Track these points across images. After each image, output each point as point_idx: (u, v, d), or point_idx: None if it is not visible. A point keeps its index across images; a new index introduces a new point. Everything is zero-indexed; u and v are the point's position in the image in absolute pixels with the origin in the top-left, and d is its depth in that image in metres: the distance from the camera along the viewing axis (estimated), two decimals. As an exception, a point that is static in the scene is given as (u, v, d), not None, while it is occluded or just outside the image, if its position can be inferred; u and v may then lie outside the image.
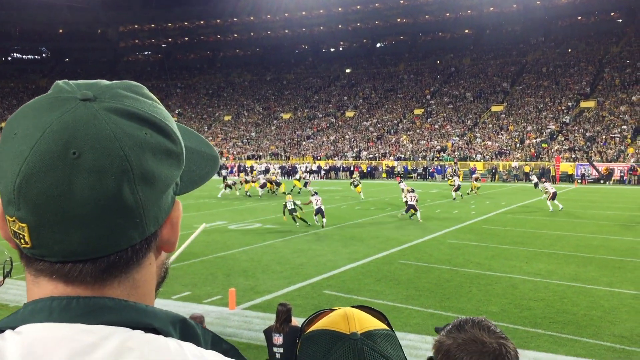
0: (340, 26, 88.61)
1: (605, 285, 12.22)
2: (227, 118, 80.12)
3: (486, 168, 50.76)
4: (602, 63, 65.74)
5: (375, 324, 1.02)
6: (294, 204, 21.44)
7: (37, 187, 0.70)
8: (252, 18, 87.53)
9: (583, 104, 58.11)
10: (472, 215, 24.31)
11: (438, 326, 5.14)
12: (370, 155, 60.08)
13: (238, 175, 43.30)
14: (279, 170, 51.43)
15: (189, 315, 6.94)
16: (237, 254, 16.10)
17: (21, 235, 0.73)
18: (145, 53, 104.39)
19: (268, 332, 6.48)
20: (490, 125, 60.10)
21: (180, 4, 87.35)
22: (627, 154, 47.68)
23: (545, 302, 10.95)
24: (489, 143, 56.31)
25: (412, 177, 52.69)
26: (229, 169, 59.52)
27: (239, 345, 8.89)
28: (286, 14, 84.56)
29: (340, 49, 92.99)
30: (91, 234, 0.72)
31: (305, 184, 38.86)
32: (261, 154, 67.31)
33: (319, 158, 62.07)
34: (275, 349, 6.33)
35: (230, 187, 35.00)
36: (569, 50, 70.72)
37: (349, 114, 72.42)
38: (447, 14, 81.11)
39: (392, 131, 65.32)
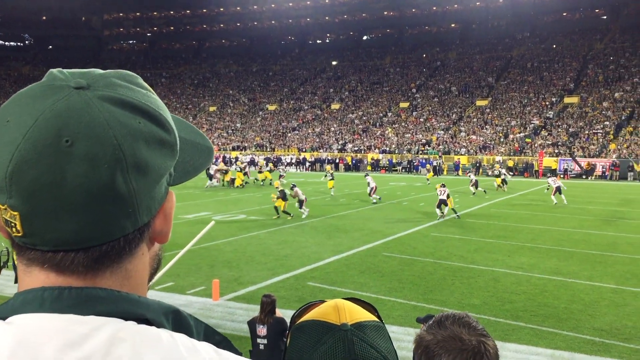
0: (327, 18, 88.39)
1: (586, 279, 12.38)
2: (212, 108, 79.69)
3: (470, 162, 51.08)
4: (586, 59, 66.31)
5: (365, 315, 1.02)
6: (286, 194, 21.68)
7: (29, 175, 0.69)
8: (238, 8, 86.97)
9: (567, 100, 58.62)
10: (456, 209, 24.44)
11: (420, 316, 5.17)
12: (356, 148, 60.16)
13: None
14: (264, 162, 51.20)
15: None
16: (221, 245, 16.07)
17: (13, 224, 0.72)
18: (130, 42, 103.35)
19: (252, 323, 6.48)
20: (475, 120, 60.43)
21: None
22: (609, 150, 48.24)
23: (527, 296, 11.07)
24: (474, 137, 56.62)
25: (396, 170, 52.88)
26: (214, 160, 59.28)
27: (223, 336, 8.88)
28: (273, 5, 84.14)
29: (327, 41, 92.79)
30: (83, 223, 0.71)
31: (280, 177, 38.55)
32: (246, 145, 67.10)
33: (304, 150, 62.02)
34: (259, 340, 6.34)
35: (211, 176, 34.96)
36: (554, 46, 71.21)
37: (335, 106, 72.38)
38: (434, 8, 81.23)
39: (377, 124, 65.43)
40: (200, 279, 12.17)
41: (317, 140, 64.36)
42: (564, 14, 75.41)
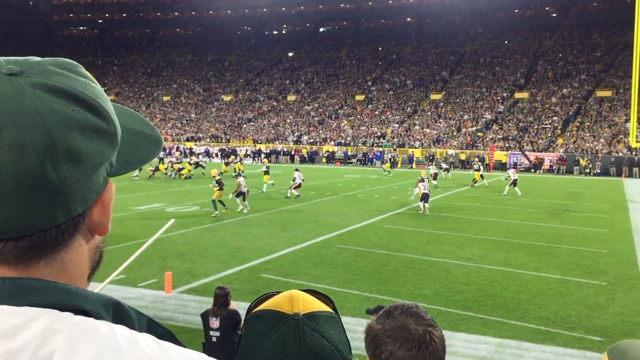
0: (283, 9, 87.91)
1: (533, 270, 12.76)
2: (166, 98, 78.33)
3: (424, 155, 51.85)
4: (536, 56, 68.03)
5: (319, 306, 1.03)
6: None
7: None
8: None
9: (517, 95, 60.10)
10: (409, 201, 24.80)
11: (369, 307, 5.24)
12: (311, 140, 60.22)
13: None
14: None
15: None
16: (174, 237, 15.86)
17: None
18: (81, 28, 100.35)
19: (205, 316, 6.43)
20: (429, 113, 61.30)
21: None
22: (557, 144, 49.76)
23: (477, 286, 11.33)
24: (427, 130, 57.46)
25: (351, 163, 53.23)
26: (167, 151, 58.38)
27: (175, 329, 8.79)
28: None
29: (284, 32, 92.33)
30: (11, 212, 0.69)
31: (197, 166, 37.75)
32: (201, 135, 66.29)
33: (259, 141, 61.71)
34: (211, 333, 6.30)
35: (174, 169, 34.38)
36: (506, 42, 72.79)
37: (291, 97, 72.20)
38: (390, 2, 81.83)
39: (333, 116, 65.62)
40: (152, 271, 11.98)
41: (273, 131, 64.13)
42: (516, 10, 77.10)
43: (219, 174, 21.75)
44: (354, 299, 10.35)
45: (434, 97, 64.10)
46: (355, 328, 8.58)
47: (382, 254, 14.15)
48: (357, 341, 7.77)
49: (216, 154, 57.26)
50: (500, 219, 20.38)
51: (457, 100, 62.40)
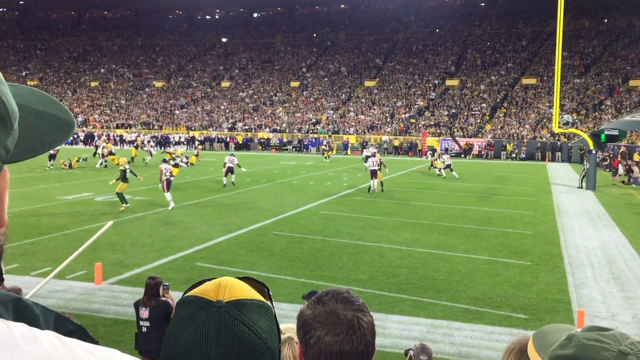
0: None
1: (463, 252, 13.17)
2: (93, 84, 75.54)
3: (358, 141, 52.42)
4: (465, 44, 69.84)
5: (248, 294, 1.01)
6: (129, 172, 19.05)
7: None
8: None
9: (448, 82, 61.59)
10: (344, 187, 25.05)
11: (304, 293, 5.27)
12: (246, 127, 59.69)
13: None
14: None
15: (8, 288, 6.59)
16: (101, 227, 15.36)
17: None
18: (0, 9, 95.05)
19: (136, 306, 6.32)
20: (364, 100, 61.94)
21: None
22: (485, 130, 51.42)
23: (410, 269, 11.60)
24: (362, 117, 58.08)
25: (287, 150, 53.19)
26: (97, 138, 56.48)
27: (106, 322, 8.57)
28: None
29: (217, 17, 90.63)
30: None
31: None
32: (131, 122, 64.44)
33: (193, 128, 60.62)
34: (142, 323, 6.19)
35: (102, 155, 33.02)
36: (437, 30, 74.30)
37: (225, 84, 71.20)
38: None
39: (268, 103, 65.24)
40: (81, 263, 11.58)
41: (207, 118, 63.13)
42: (446, 0, 78.73)
43: (128, 162, 20.59)
44: (290, 285, 10.38)
45: (368, 84, 64.78)
46: (292, 314, 8.61)
47: (317, 239, 14.25)
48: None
49: (148, 142, 55.77)
50: (432, 203, 20.90)
51: (391, 87, 63.32)
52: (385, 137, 51.90)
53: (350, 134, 54.38)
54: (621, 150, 36.33)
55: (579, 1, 64.05)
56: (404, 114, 57.15)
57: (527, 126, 50.20)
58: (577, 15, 66.10)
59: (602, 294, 10.19)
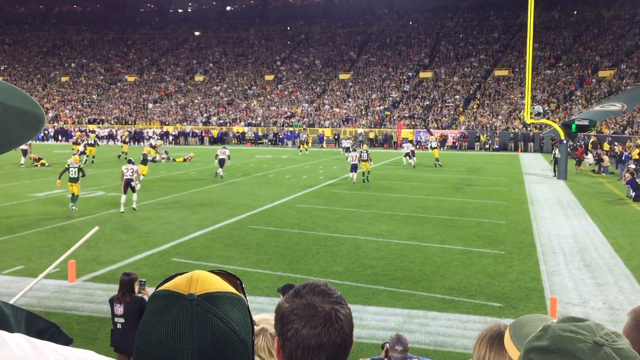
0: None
1: (438, 243, 13.30)
2: (64, 79, 74.24)
3: (333, 134, 52.47)
4: (439, 36, 70.26)
5: (220, 286, 1.00)
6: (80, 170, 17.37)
7: None
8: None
9: (422, 74, 61.93)
10: (320, 180, 25.08)
11: (279, 286, 5.28)
12: (221, 121, 59.31)
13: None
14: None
15: None
16: (78, 223, 15.19)
17: None
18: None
19: (111, 302, 6.27)
20: (338, 93, 61.97)
21: (6, -50, 78.49)
22: (459, 122, 51.88)
23: (386, 261, 11.68)
24: (337, 110, 58.12)
25: (262, 143, 53.00)
26: (69, 134, 55.63)
27: (80, 319, 8.47)
28: (129, -31, 79.55)
29: (189, 10, 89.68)
30: None
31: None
32: (103, 118, 63.54)
33: (166, 123, 60.03)
34: (116, 319, 6.15)
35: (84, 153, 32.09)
36: (410, 22, 74.60)
37: (199, 78, 70.59)
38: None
39: (242, 96, 64.89)
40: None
41: (181, 113, 62.56)
42: (419, -8, 79.02)
43: (80, 152, 19.15)
44: (267, 278, 10.38)
45: (343, 76, 64.81)
46: (269, 308, 8.61)
47: (294, 233, 14.25)
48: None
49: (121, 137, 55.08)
50: (408, 194, 21.04)
51: (365, 79, 63.44)
52: (360, 130, 52.02)
53: (325, 127, 54.38)
54: (591, 140, 37.00)
55: (549, -7, 64.94)
56: (379, 106, 57.34)
57: (499, 117, 50.78)
58: (547, 7, 66.93)
59: (573, 281, 10.39)
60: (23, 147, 30.37)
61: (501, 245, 13.13)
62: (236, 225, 15.24)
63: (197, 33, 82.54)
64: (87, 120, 62.88)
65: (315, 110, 58.94)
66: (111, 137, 54.40)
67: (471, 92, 57.00)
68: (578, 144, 36.39)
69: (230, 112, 61.50)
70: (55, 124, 60.87)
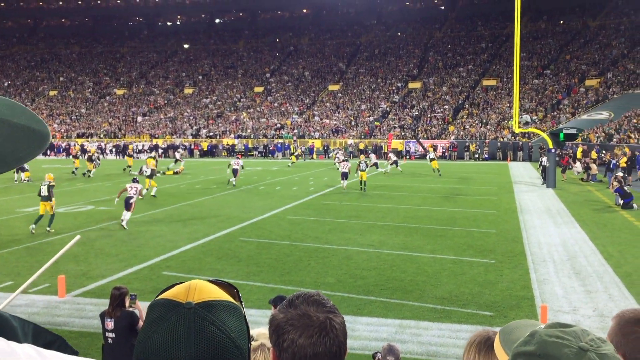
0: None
1: (429, 253, 13.34)
2: (52, 93, 73.97)
3: (323, 145, 52.56)
4: (427, 47, 70.75)
5: (217, 295, 1.03)
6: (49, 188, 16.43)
7: None
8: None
9: (411, 85, 62.28)
10: (310, 192, 25.09)
11: (270, 298, 5.28)
12: (210, 133, 59.26)
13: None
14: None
15: None
16: (67, 238, 15.08)
17: None
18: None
19: (102, 317, 6.23)
20: (328, 104, 62.15)
21: (-7, -36, 78.36)
22: (449, 132, 52.14)
23: (377, 271, 11.69)
24: (327, 121, 58.25)
25: (252, 155, 52.98)
26: (57, 148, 55.38)
27: (71, 335, 8.40)
28: (118, -17, 79.60)
29: (178, 23, 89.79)
30: None
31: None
32: (92, 132, 63.31)
33: (156, 136, 59.89)
34: (107, 334, 6.11)
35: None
36: (398, 33, 75.11)
37: (188, 90, 70.58)
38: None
39: (232, 109, 64.92)
40: (44, 275, 11.32)
41: (170, 125, 62.46)
42: (407, 3, 79.63)
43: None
44: (258, 291, 10.35)
45: (332, 87, 65.04)
46: (261, 320, 8.59)
47: (285, 244, 14.23)
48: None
49: (110, 150, 54.93)
50: (398, 205, 21.09)
51: (355, 90, 63.69)
52: (350, 141, 52.15)
53: (315, 138, 54.47)
54: (580, 148, 37.29)
55: (536, 3, 65.58)
56: (368, 117, 57.54)
57: (488, 127, 51.10)
58: (534, 17, 67.65)
59: (564, 289, 10.45)
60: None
61: (492, 254, 13.18)
62: (227, 237, 15.21)
63: (186, 46, 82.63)
64: (75, 135, 62.61)
65: (305, 122, 59.05)
66: (100, 150, 54.13)
67: (460, 102, 57.36)
68: (565, 152, 36.69)
69: (219, 124, 61.48)
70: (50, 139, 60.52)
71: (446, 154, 48.68)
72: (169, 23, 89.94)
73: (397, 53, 70.05)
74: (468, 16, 73.80)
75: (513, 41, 28.00)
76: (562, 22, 67.53)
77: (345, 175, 25.84)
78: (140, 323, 6.16)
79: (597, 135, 41.70)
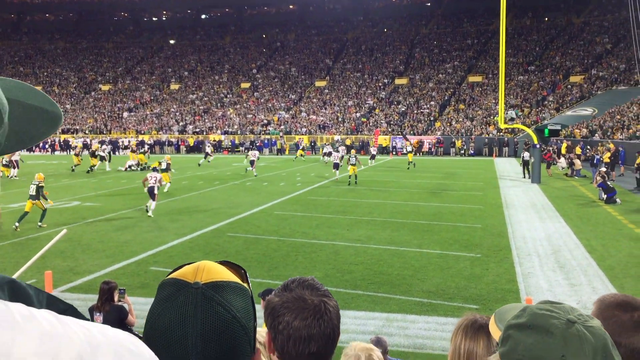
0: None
1: (416, 247, 13.44)
2: (37, 88, 73.07)
3: (310, 141, 52.59)
4: (413, 43, 70.97)
5: (225, 276, 1.06)
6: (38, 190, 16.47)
7: None
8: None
9: (397, 81, 62.47)
10: (298, 187, 25.12)
11: (259, 291, 5.33)
12: (197, 129, 59.04)
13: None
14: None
15: None
16: (54, 234, 14.95)
17: None
18: None
19: (91, 311, 6.23)
20: (315, 100, 62.15)
21: (-25, -42, 77.32)
22: (435, 128, 52.39)
23: (365, 266, 11.76)
24: (314, 117, 58.26)
25: (239, 151, 52.86)
26: (42, 144, 54.84)
27: (58, 330, 8.37)
28: (102, -22, 78.92)
29: (164, 18, 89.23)
30: None
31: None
32: (77, 127, 62.81)
33: (142, 132, 59.55)
34: (97, 329, 6.09)
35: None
36: (385, 30, 75.25)
37: (174, 86, 70.23)
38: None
39: (218, 105, 64.69)
40: (31, 271, 11.27)
41: (157, 121, 62.13)
42: (393, 0, 79.78)
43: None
44: (246, 285, 10.37)
45: (319, 84, 65.05)
46: (248, 314, 8.63)
47: (272, 239, 14.27)
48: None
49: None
50: (385, 200, 21.19)
51: (341, 86, 63.75)
52: (337, 137, 52.21)
53: (302, 134, 54.47)
54: (564, 144, 37.65)
55: (521, 0, 66.02)
56: (355, 113, 57.63)
57: (474, 122, 51.41)
58: (519, 14, 68.10)
59: (548, 282, 10.59)
60: (15, 157, 30.03)
61: (477, 248, 13.31)
62: (214, 233, 15.21)
63: (172, 41, 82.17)
64: (60, 130, 62.04)
65: (291, 118, 59.02)
66: (85, 147, 53.72)
67: (446, 98, 57.63)
68: (551, 148, 37.01)
69: (206, 120, 61.26)
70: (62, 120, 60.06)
71: (432, 149, 48.92)
72: (154, 18, 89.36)
73: (384, 49, 70.18)
74: (454, 13, 74.11)
75: (498, 38, 28.20)
76: (546, 19, 68.06)
77: (336, 166, 27.98)
78: (130, 317, 6.18)
79: (581, 131, 42.12)
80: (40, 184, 16.50)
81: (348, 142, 50.89)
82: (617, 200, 19.99)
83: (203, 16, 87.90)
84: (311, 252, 12.98)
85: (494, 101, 52.14)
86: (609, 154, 27.32)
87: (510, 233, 15.04)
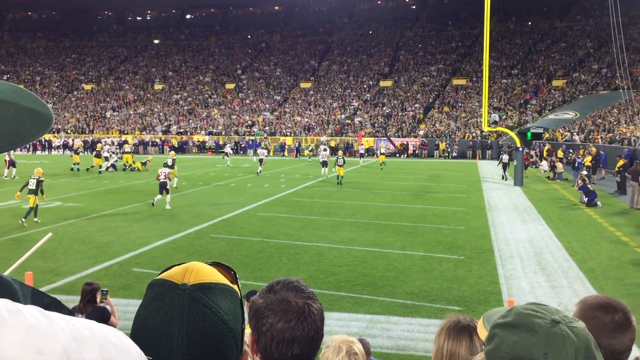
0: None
1: (399, 249, 13.49)
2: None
3: (295, 143, 52.55)
4: (398, 45, 71.26)
5: (213, 278, 1.06)
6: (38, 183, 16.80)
7: None
8: (46, -23, 79.48)
9: (382, 83, 62.67)
10: (282, 189, 25.10)
11: (244, 293, 5.34)
12: (181, 130, 58.74)
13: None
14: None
15: None
16: (34, 234, 14.83)
17: None
18: None
19: (72, 313, 6.15)
20: (300, 102, 62.13)
21: (-44, -46, 76.21)
22: (419, 130, 52.64)
23: (348, 267, 11.78)
24: (298, 118, 58.24)
25: (223, 152, 52.67)
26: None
27: (39, 332, 8.28)
28: (86, -24, 78.21)
29: (148, 18, 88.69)
30: None
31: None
32: (60, 127, 62.16)
33: (126, 132, 59.11)
34: (78, 331, 6.03)
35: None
36: (370, 32, 75.48)
37: (158, 86, 69.81)
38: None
39: (203, 105, 64.43)
40: (11, 273, 11.14)
41: (140, 121, 61.71)
42: (379, 2, 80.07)
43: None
44: (230, 287, 10.33)
45: (304, 85, 65.05)
46: (232, 316, 8.60)
47: (256, 241, 14.24)
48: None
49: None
50: (369, 202, 21.25)
51: (326, 88, 63.82)
52: (323, 138, 52.25)
53: (287, 136, 54.43)
54: (546, 147, 38.02)
55: (505, 4, 66.59)
56: (340, 114, 57.71)
57: (458, 125, 51.73)
58: (503, 18, 68.66)
59: (530, 284, 10.69)
60: (8, 158, 29.65)
61: (460, 250, 13.39)
62: (198, 234, 15.14)
63: (156, 41, 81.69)
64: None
65: (276, 119, 58.96)
66: (66, 146, 53.24)
67: (430, 100, 57.93)
68: (534, 151, 37.36)
69: (190, 120, 60.97)
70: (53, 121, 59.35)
71: (417, 151, 49.14)
72: (139, 18, 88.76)
73: (369, 51, 70.38)
74: (439, 16, 74.55)
75: (483, 41, 28.42)
76: (530, 23, 68.72)
77: (325, 164, 29.37)
78: (112, 319, 6.13)
79: (563, 134, 42.55)
80: (40, 179, 16.93)
81: (332, 143, 50.98)
82: (598, 203, 20.23)
83: (188, 16, 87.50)
84: (295, 253, 12.97)
85: (477, 104, 52.51)
86: (590, 158, 27.64)
87: (493, 235, 15.16)
